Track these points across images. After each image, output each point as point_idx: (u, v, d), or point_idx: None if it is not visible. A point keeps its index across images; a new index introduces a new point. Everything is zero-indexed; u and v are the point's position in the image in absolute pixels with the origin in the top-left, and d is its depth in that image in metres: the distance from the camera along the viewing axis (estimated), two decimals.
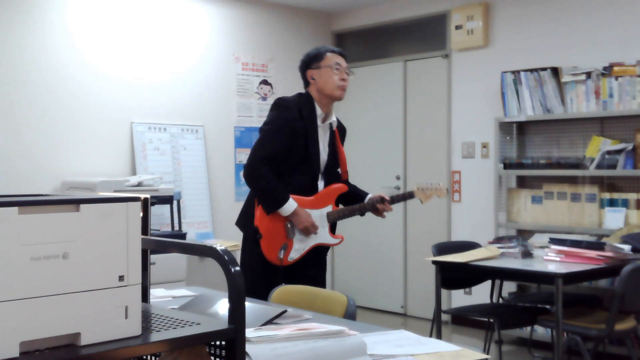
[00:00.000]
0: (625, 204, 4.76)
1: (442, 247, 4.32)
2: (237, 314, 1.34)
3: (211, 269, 5.06)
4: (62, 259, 1.21)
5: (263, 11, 6.48)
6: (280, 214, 3.30)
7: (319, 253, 3.45)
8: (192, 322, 1.38)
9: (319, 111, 3.41)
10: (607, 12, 5.08)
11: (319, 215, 3.38)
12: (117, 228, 1.29)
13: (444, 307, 4.88)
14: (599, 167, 4.83)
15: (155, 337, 1.29)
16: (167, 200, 5.11)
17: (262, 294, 2.98)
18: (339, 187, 3.47)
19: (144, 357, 1.47)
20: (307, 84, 3.47)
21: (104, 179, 4.89)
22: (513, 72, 5.35)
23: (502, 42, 5.70)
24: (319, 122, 3.41)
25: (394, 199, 3.57)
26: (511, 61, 5.52)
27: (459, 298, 5.80)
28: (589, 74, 4.93)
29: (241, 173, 6.18)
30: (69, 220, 1.23)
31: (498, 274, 4.21)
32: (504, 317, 4.10)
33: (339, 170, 3.53)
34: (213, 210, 5.96)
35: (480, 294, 5.14)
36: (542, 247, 4.19)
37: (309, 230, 3.33)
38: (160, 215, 5.31)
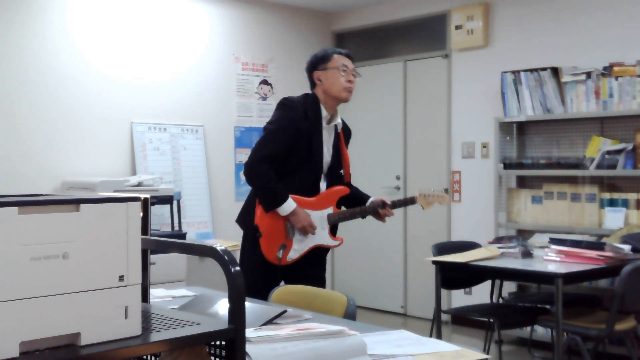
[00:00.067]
0: (625, 204, 4.76)
1: (442, 247, 4.32)
2: (237, 314, 1.34)
3: (211, 269, 5.05)
4: (62, 259, 1.21)
5: (263, 11, 6.48)
6: (279, 213, 3.30)
7: (319, 254, 3.45)
8: (192, 322, 1.38)
9: (324, 112, 3.41)
10: (607, 12, 5.08)
11: (319, 217, 3.38)
12: (117, 228, 1.29)
13: (444, 307, 4.88)
14: (599, 167, 4.83)
15: (155, 337, 1.29)
16: (167, 200, 5.11)
17: (261, 293, 2.99)
18: (340, 190, 3.47)
19: (144, 357, 1.47)
20: (313, 85, 3.47)
21: (104, 179, 4.89)
22: (513, 72, 5.35)
23: (502, 42, 5.70)
24: (324, 123, 3.40)
25: (396, 204, 3.56)
26: (511, 61, 5.52)
27: (459, 298, 5.80)
28: (589, 74, 4.93)
29: (241, 173, 6.18)
30: (69, 220, 1.23)
31: (498, 274, 4.21)
32: (504, 317, 4.10)
33: (341, 172, 3.53)
34: (213, 210, 5.96)
35: (480, 294, 5.14)
36: (542, 247, 4.19)
37: (307, 230, 3.32)
38: (160, 215, 5.31)
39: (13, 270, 1.15)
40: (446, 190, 3.68)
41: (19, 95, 5.03)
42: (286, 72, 6.53)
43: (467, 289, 5.62)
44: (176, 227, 5.33)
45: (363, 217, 3.57)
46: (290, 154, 3.31)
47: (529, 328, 5.00)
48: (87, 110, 5.34)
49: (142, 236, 1.38)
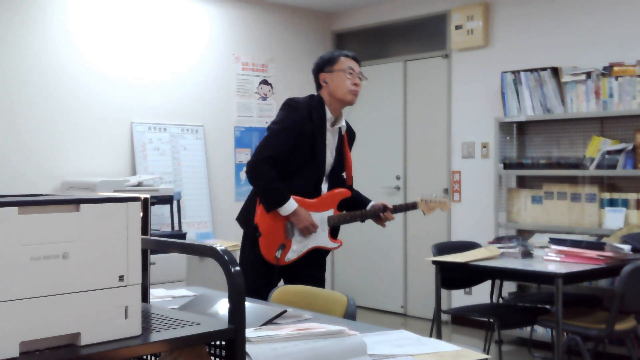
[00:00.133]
0: (625, 204, 4.76)
1: (442, 247, 4.32)
2: (237, 314, 1.34)
3: (211, 269, 5.05)
4: (62, 259, 1.21)
5: (263, 11, 6.48)
6: (280, 213, 3.30)
7: (318, 255, 3.44)
8: (192, 322, 1.38)
9: (328, 115, 3.40)
10: (607, 12, 5.08)
11: (319, 219, 3.37)
12: (117, 228, 1.29)
13: (444, 307, 4.88)
14: (599, 167, 4.83)
15: (155, 337, 1.29)
16: (167, 200, 5.11)
17: (261, 292, 2.99)
18: (342, 192, 3.47)
19: (144, 357, 1.47)
20: (319, 86, 3.46)
21: (104, 179, 4.89)
22: (513, 72, 5.35)
23: (502, 42, 5.70)
24: (328, 125, 3.40)
25: (397, 209, 3.56)
26: (511, 61, 5.52)
27: (459, 298, 5.80)
28: (589, 74, 4.93)
29: (241, 173, 6.18)
30: (69, 220, 1.23)
31: (498, 274, 4.21)
32: (504, 317, 4.10)
33: (344, 174, 3.53)
34: (213, 210, 5.96)
35: (480, 294, 5.14)
36: (542, 247, 4.19)
37: (309, 230, 3.32)
38: (160, 215, 5.31)
39: (13, 270, 1.15)
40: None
41: (19, 95, 5.03)
42: (286, 72, 6.53)
43: (467, 289, 5.62)
44: (176, 227, 5.33)
45: (362, 220, 3.56)
46: (293, 155, 3.31)
47: (529, 328, 5.00)
48: (87, 110, 5.34)
49: (142, 236, 1.38)
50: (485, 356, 1.80)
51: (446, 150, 6.06)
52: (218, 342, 1.42)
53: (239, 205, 3.64)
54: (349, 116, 3.64)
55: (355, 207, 3.53)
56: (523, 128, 5.49)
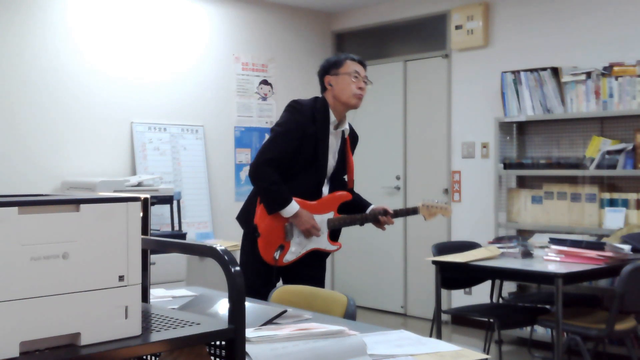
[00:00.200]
0: (625, 204, 4.76)
1: (442, 247, 4.32)
2: (237, 314, 1.34)
3: (211, 269, 5.06)
4: (62, 259, 1.21)
5: (263, 11, 6.48)
6: (282, 215, 3.29)
7: (318, 256, 3.44)
8: (192, 322, 1.38)
9: (332, 117, 3.39)
10: (607, 12, 5.08)
11: (319, 221, 3.37)
12: (117, 228, 1.29)
13: (444, 307, 4.88)
14: (599, 167, 4.83)
15: (155, 337, 1.29)
16: (167, 200, 5.11)
17: (261, 292, 2.99)
18: (342, 195, 3.46)
19: (144, 357, 1.47)
20: (323, 89, 3.45)
21: (104, 179, 4.89)
22: (513, 72, 5.35)
23: (502, 42, 5.70)
24: (331, 128, 3.39)
25: (398, 213, 3.55)
26: (511, 61, 5.52)
27: (459, 298, 5.80)
28: (589, 74, 4.93)
29: (241, 173, 6.19)
30: (69, 220, 1.23)
31: (498, 274, 4.21)
32: (504, 317, 4.10)
33: (345, 177, 3.52)
34: (213, 210, 5.96)
35: (480, 294, 5.14)
36: (542, 247, 4.18)
37: (311, 232, 3.31)
38: (160, 215, 5.31)
39: (13, 270, 1.15)
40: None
41: (19, 95, 5.03)
42: (286, 72, 6.53)
43: (467, 289, 5.62)
44: (176, 227, 5.33)
45: (362, 224, 3.55)
46: (296, 157, 3.30)
47: (529, 328, 5.00)
48: (87, 110, 5.34)
49: (142, 236, 1.38)
50: (485, 356, 1.80)
51: (446, 150, 6.06)
52: (218, 342, 1.42)
53: (239, 205, 3.64)
54: (352, 119, 3.63)
55: (355, 210, 3.52)
56: (523, 128, 5.49)
